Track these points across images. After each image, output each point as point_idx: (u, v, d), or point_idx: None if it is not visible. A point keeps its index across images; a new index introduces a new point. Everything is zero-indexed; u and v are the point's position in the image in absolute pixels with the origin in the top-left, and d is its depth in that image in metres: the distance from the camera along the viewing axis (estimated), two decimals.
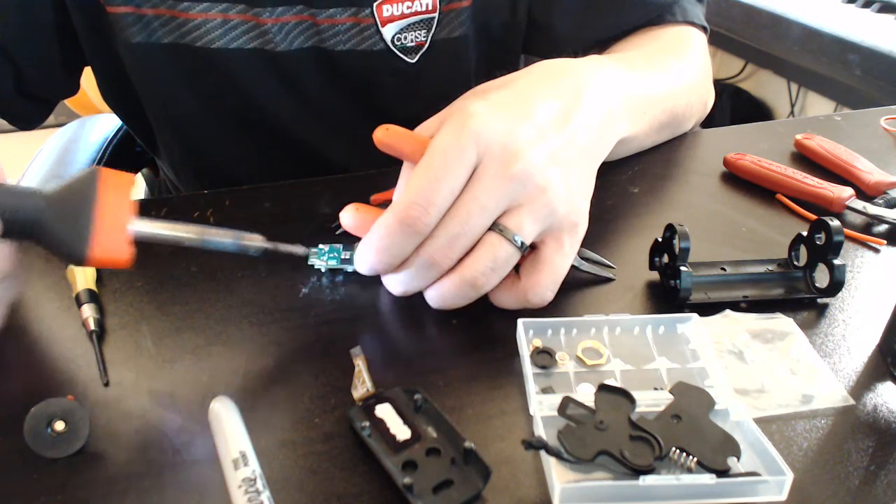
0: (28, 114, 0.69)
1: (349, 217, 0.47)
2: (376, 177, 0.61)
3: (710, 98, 0.74)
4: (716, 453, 0.36)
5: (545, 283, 0.46)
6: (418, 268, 0.44)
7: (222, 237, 0.44)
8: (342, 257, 0.51)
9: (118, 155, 0.91)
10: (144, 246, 0.55)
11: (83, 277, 0.49)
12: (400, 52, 0.66)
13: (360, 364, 0.40)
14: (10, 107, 0.67)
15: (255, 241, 0.45)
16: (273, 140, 0.71)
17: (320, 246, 0.52)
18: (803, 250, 0.51)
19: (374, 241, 0.44)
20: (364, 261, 0.45)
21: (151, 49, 0.63)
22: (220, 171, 0.74)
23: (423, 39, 0.66)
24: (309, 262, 0.51)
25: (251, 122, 0.69)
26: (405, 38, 0.65)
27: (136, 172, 0.94)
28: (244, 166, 0.73)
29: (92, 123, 0.93)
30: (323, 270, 0.52)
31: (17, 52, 0.63)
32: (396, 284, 0.46)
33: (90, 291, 0.48)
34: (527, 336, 0.44)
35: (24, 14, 0.62)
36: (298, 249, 0.48)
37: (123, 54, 0.65)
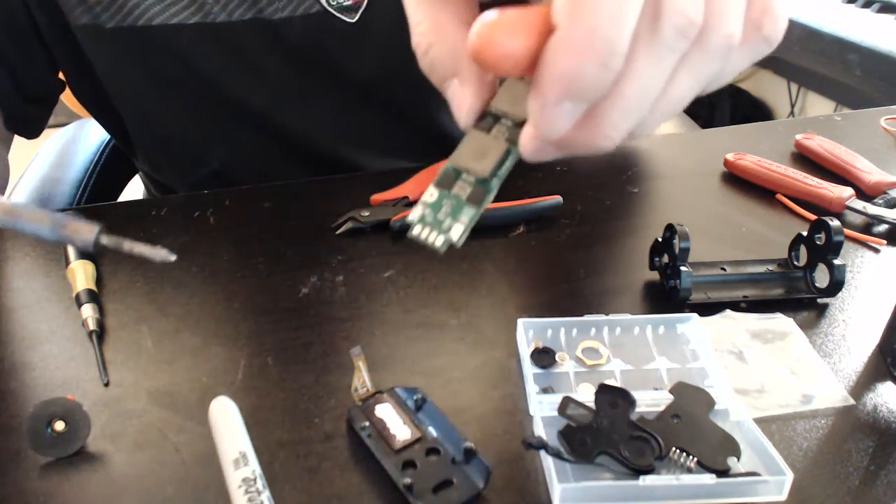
0: (31, 118, 0.69)
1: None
2: (377, 177, 0.61)
3: None
4: (716, 453, 0.36)
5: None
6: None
7: (39, 221, 0.36)
8: None
9: (117, 156, 0.91)
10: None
11: (83, 277, 0.49)
12: (338, 12, 0.64)
13: (360, 364, 0.40)
14: (14, 111, 0.66)
15: (81, 232, 0.36)
16: (234, 117, 0.69)
17: None
18: (803, 250, 0.51)
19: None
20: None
21: (99, 32, 0.63)
22: (190, 156, 0.73)
23: None
24: None
25: (209, 100, 0.68)
26: None
27: (136, 174, 0.93)
28: (213, 147, 0.71)
29: (91, 125, 0.93)
30: None
31: (7, 51, 0.63)
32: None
33: (90, 291, 0.48)
34: (527, 336, 0.44)
35: (3, 11, 0.62)
36: (158, 253, 0.37)
37: (80, 40, 0.65)
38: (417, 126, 0.73)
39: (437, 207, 0.27)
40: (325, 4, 0.64)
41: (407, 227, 0.27)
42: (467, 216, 0.27)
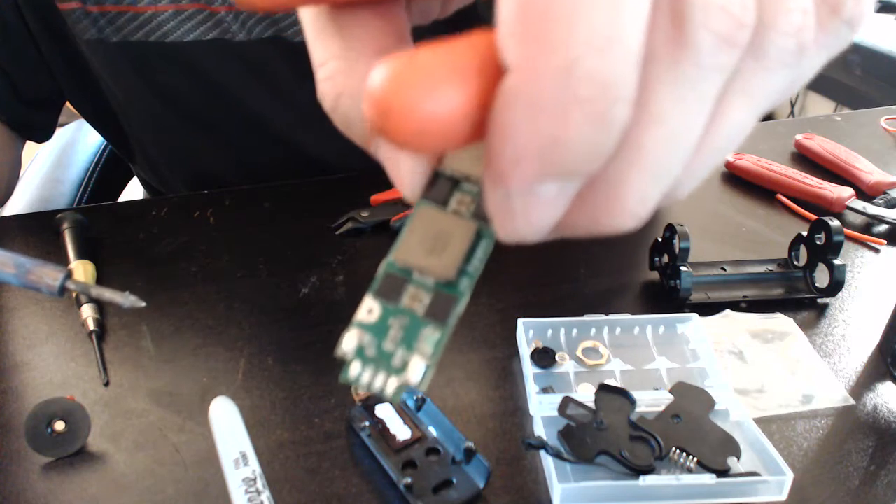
0: (36, 123, 0.69)
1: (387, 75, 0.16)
2: (377, 177, 0.61)
3: None
4: (716, 453, 0.36)
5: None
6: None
7: (2, 266, 0.35)
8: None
9: (116, 157, 0.91)
10: (144, 246, 0.55)
11: (83, 277, 0.49)
12: None
13: None
14: (17, 117, 0.66)
15: (46, 278, 0.35)
16: (247, 133, 0.68)
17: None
18: (803, 250, 0.51)
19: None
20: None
21: (106, 47, 0.62)
22: (196, 168, 0.72)
23: None
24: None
25: (222, 116, 0.67)
26: None
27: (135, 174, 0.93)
28: (221, 162, 0.71)
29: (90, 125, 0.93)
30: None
31: (2, 58, 0.63)
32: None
33: None
34: (527, 336, 0.44)
35: None
36: (127, 299, 0.35)
37: (83, 52, 0.64)
38: None
39: (381, 332, 0.18)
40: None
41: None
42: (429, 343, 0.17)
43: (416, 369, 0.17)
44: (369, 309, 0.18)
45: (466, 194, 0.18)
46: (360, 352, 0.18)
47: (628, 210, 0.17)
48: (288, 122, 0.67)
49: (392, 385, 0.17)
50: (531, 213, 0.16)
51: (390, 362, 0.18)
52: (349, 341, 0.18)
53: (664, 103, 0.15)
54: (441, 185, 0.18)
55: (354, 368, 0.18)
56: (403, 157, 0.18)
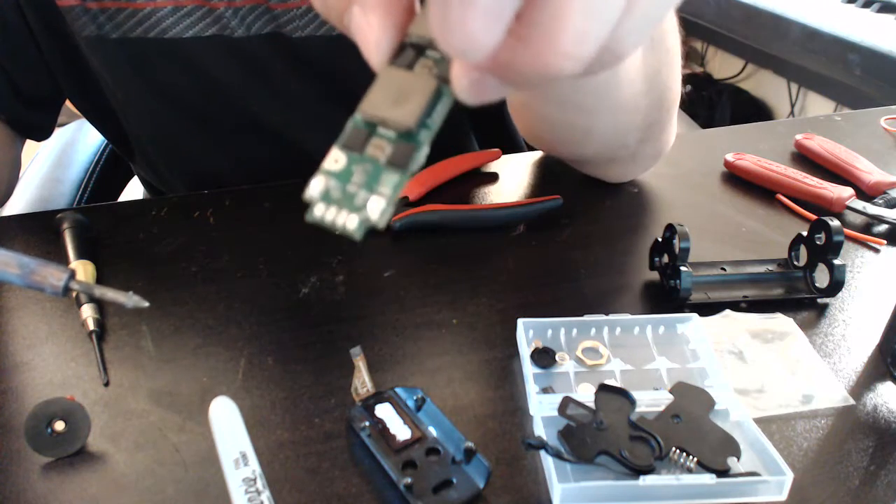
0: (36, 123, 0.69)
1: None
2: None
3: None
4: (716, 453, 0.36)
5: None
6: None
7: (6, 266, 0.35)
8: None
9: (117, 156, 0.91)
10: (144, 246, 0.55)
11: (83, 277, 0.49)
12: None
13: (360, 364, 0.40)
14: (17, 116, 0.66)
15: (50, 278, 0.35)
16: (245, 131, 0.68)
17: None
18: (803, 250, 0.51)
19: None
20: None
21: (105, 44, 0.62)
22: (194, 165, 0.72)
23: None
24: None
25: (221, 114, 0.67)
26: None
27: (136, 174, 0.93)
28: (220, 160, 0.71)
29: (91, 125, 0.93)
30: None
31: (2, 57, 0.63)
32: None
33: None
34: (527, 336, 0.44)
35: None
36: (130, 299, 0.36)
37: (83, 49, 0.64)
38: (443, 152, 0.72)
39: (345, 177, 0.20)
40: None
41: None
42: (389, 185, 0.19)
43: (376, 206, 0.19)
44: (335, 159, 0.20)
45: (428, 59, 0.20)
46: (325, 195, 0.20)
47: (565, 49, 0.17)
48: (286, 119, 0.67)
49: (353, 221, 0.19)
50: (469, 23, 0.17)
51: (353, 202, 0.19)
52: (315, 186, 0.20)
53: None
54: (407, 54, 0.20)
55: (319, 209, 0.20)
56: (374, 23, 0.19)
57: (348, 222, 0.19)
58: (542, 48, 0.17)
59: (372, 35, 0.20)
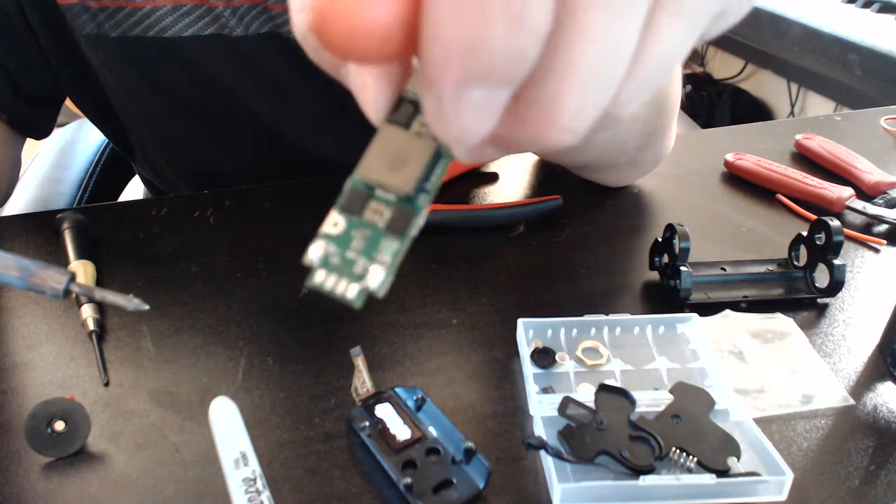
0: (36, 121, 0.69)
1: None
2: None
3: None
4: (716, 453, 0.36)
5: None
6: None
7: (6, 269, 0.35)
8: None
9: (117, 156, 0.91)
10: (144, 246, 0.55)
11: (83, 277, 0.49)
12: None
13: (360, 364, 0.40)
14: (17, 114, 0.66)
15: (50, 281, 0.35)
16: (246, 132, 0.68)
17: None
18: (803, 250, 0.51)
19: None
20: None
21: (105, 42, 0.61)
22: (194, 165, 0.72)
23: None
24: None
25: (221, 113, 0.67)
26: None
27: (136, 174, 0.93)
28: (219, 159, 0.71)
29: (91, 125, 0.93)
30: None
31: (2, 55, 0.63)
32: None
33: None
34: (527, 336, 0.44)
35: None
36: (131, 302, 0.36)
37: (83, 47, 0.64)
38: None
39: (344, 243, 0.19)
40: None
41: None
42: (388, 253, 0.19)
43: (376, 276, 0.19)
44: (334, 222, 0.20)
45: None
46: (324, 261, 0.19)
47: (564, 125, 0.17)
48: (285, 118, 0.67)
49: (353, 290, 0.19)
50: (462, 117, 0.17)
51: (352, 269, 0.19)
52: (315, 251, 0.19)
53: (591, 18, 0.16)
54: (404, 109, 0.19)
55: (319, 275, 0.19)
56: (370, 81, 0.19)
57: (348, 291, 0.19)
58: (540, 126, 0.17)
59: (370, 92, 0.19)
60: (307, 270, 0.20)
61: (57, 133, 0.94)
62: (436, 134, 0.18)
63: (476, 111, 0.17)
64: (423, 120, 0.19)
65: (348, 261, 0.19)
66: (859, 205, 0.58)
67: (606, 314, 0.45)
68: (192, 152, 0.71)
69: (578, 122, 0.17)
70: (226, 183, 0.68)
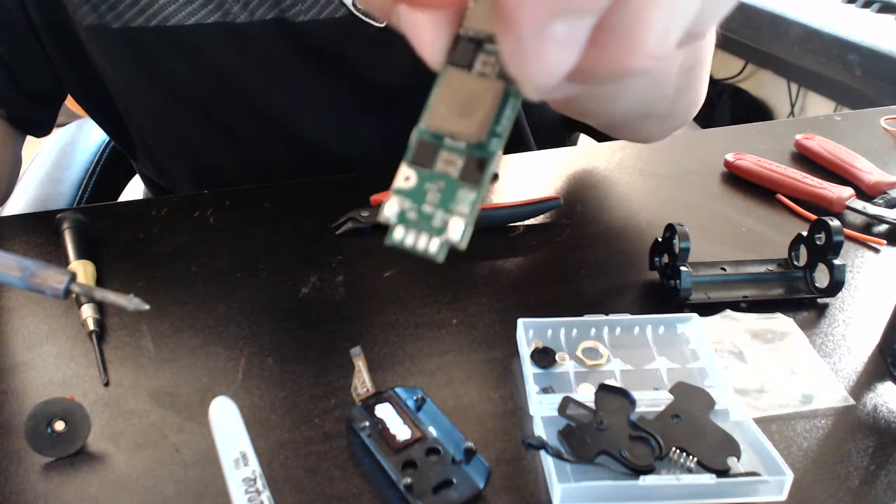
0: (36, 118, 0.69)
1: None
2: (377, 177, 0.61)
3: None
4: (716, 453, 0.36)
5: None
6: None
7: (7, 269, 0.35)
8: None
9: (117, 156, 0.91)
10: (144, 246, 0.55)
11: (83, 277, 0.49)
12: (366, 16, 0.60)
13: (360, 364, 0.40)
14: (17, 111, 0.66)
15: (51, 281, 0.35)
16: (248, 121, 0.68)
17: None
18: (803, 250, 0.51)
19: None
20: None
21: (106, 33, 0.61)
22: (197, 160, 0.71)
23: None
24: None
25: (223, 103, 0.66)
26: None
27: (136, 174, 0.93)
28: (222, 152, 0.70)
29: (91, 125, 0.93)
30: None
31: (3, 51, 0.63)
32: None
33: None
34: (527, 336, 0.44)
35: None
36: (131, 302, 0.35)
37: (84, 41, 0.63)
38: None
39: (419, 197, 0.19)
40: (353, 8, 0.60)
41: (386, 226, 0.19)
42: (466, 203, 0.18)
43: (456, 228, 0.18)
44: (406, 176, 0.19)
45: (490, 55, 0.18)
46: (401, 216, 0.19)
47: (647, 50, 0.16)
48: (289, 108, 0.66)
49: (435, 244, 0.18)
50: (544, 56, 0.16)
51: (431, 223, 0.18)
52: (391, 207, 0.19)
53: None
54: (464, 48, 0.18)
55: (398, 232, 0.19)
56: (425, 23, 0.18)
57: (430, 246, 0.18)
58: (623, 52, 0.16)
59: (426, 34, 0.18)
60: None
61: (57, 133, 0.94)
62: (514, 75, 0.17)
63: (560, 46, 0.16)
64: (486, 59, 0.18)
65: (425, 215, 0.18)
66: (859, 205, 0.58)
67: (606, 314, 0.45)
68: (194, 145, 0.70)
69: (663, 45, 0.16)
70: (229, 177, 0.68)
